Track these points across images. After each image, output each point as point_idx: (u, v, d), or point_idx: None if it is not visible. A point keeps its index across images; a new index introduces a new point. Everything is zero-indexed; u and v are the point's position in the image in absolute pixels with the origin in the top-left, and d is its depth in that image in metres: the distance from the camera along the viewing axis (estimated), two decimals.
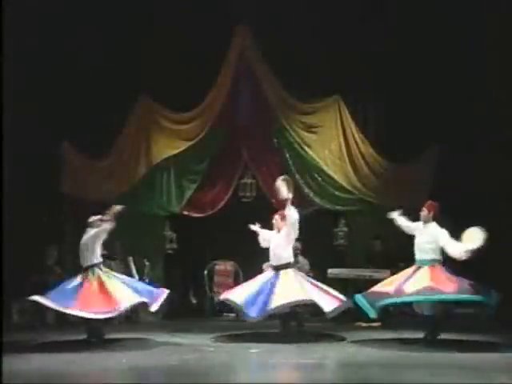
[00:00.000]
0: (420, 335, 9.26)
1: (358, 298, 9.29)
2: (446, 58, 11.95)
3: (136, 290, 9.21)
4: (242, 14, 12.18)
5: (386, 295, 9.02)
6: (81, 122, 12.07)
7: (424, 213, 9.37)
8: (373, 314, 9.11)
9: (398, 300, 9.10)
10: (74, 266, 12.02)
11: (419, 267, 9.16)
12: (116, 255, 11.68)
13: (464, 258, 8.82)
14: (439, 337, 9.13)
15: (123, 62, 11.99)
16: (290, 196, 9.42)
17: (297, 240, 10.02)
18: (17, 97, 11.12)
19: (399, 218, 9.69)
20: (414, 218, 9.51)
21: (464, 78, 11.81)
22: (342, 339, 9.67)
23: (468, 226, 8.98)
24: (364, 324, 11.03)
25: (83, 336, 9.33)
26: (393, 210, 12.17)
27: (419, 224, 9.41)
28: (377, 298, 9.06)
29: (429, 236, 9.21)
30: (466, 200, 11.30)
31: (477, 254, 8.76)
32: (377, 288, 9.33)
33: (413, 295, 8.86)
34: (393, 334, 10.00)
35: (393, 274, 11.25)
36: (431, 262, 9.13)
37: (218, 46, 12.09)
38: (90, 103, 11.88)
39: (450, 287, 8.75)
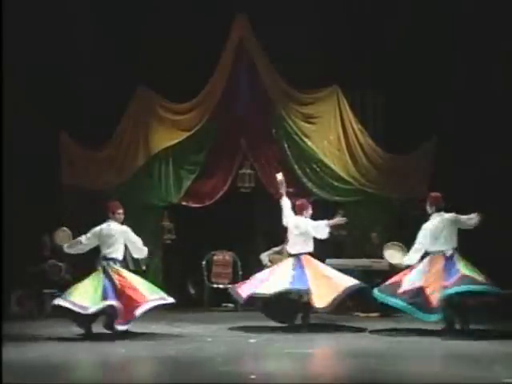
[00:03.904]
0: (418, 325, 9.28)
1: (402, 304, 9.17)
2: (444, 49, 11.94)
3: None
4: (241, 4, 12.16)
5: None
6: (80, 113, 12.06)
7: (427, 207, 9.38)
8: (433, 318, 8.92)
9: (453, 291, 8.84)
10: (71, 256, 12.10)
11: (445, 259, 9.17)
12: None
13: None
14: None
15: (122, 52, 11.95)
16: None
17: None
18: (16, 87, 11.12)
19: None
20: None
21: (464, 69, 11.82)
22: (341, 329, 9.68)
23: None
24: (362, 314, 11.06)
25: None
26: (391, 200, 12.35)
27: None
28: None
29: (436, 228, 9.22)
30: (465, 191, 11.30)
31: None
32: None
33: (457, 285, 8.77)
34: (391, 324, 10.02)
35: (391, 264, 11.33)
36: (438, 253, 9.17)
37: (217, 36, 12.07)
38: (89, 94, 11.86)
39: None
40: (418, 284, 9.03)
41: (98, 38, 11.91)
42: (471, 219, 9.18)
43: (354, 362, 7.49)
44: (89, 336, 8.92)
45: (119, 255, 9.23)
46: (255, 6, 12.02)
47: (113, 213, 9.33)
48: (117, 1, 11.89)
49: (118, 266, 9.14)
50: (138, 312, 8.84)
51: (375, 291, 9.36)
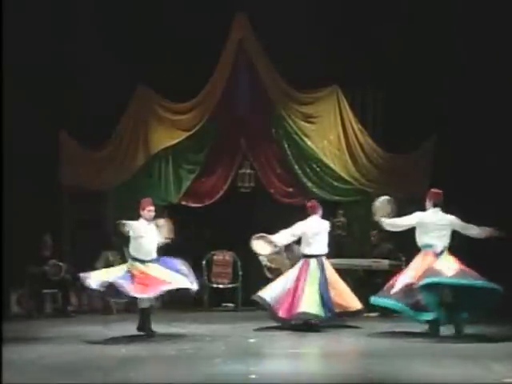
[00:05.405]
0: (418, 325, 9.28)
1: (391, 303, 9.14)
2: (443, 49, 11.94)
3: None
4: (241, 3, 12.16)
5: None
6: (79, 112, 12.06)
7: (426, 202, 9.38)
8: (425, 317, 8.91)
9: (441, 280, 8.69)
10: (72, 256, 12.10)
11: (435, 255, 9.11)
12: (113, 245, 11.70)
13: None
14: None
15: (122, 52, 11.94)
16: None
17: None
18: (16, 86, 11.11)
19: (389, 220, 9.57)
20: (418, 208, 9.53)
21: (463, 68, 11.81)
22: (340, 329, 9.68)
23: (469, 216, 9.07)
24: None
25: (82, 326, 9.35)
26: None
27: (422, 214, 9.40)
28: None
29: (431, 222, 9.21)
30: (466, 189, 11.30)
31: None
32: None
33: (454, 278, 8.64)
34: (391, 323, 10.02)
35: (391, 265, 11.34)
36: (429, 249, 9.16)
37: (217, 36, 12.07)
38: (89, 93, 11.85)
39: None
40: (407, 281, 9.00)
41: (99, 37, 11.90)
42: (474, 229, 9.19)
43: (354, 361, 7.50)
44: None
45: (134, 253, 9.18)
46: (255, 6, 12.01)
47: (142, 209, 9.30)
48: (117, 0, 11.88)
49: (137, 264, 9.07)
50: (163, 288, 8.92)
51: (372, 299, 9.37)
